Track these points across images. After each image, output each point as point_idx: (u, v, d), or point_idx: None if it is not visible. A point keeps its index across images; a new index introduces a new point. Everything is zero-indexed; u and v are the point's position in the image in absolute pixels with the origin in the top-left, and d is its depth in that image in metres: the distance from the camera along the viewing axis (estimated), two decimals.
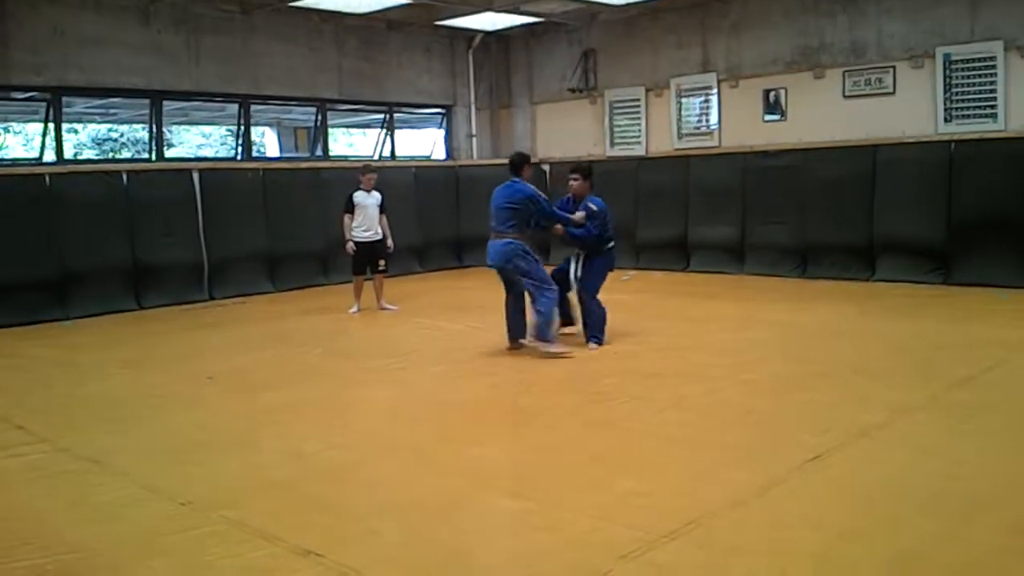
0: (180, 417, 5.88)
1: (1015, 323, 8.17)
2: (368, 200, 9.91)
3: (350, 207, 9.85)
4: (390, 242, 10.10)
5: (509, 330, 7.66)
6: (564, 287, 7.65)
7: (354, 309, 10.00)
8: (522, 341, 7.55)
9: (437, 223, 14.30)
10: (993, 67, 10.29)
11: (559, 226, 7.52)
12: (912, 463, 4.42)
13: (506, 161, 7.78)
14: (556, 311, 7.46)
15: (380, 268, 10.05)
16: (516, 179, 7.44)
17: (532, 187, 7.47)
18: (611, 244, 7.72)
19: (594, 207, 7.48)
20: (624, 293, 10.10)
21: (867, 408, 5.39)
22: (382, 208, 10.01)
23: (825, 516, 3.78)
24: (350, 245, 9.86)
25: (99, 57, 10.85)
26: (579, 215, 7.50)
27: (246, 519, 3.94)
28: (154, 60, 11.34)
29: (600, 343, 7.54)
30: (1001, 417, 5.22)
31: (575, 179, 7.71)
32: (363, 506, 4.14)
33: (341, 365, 7.50)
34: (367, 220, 9.88)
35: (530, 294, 7.40)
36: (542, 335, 7.29)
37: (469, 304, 10.19)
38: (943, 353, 6.99)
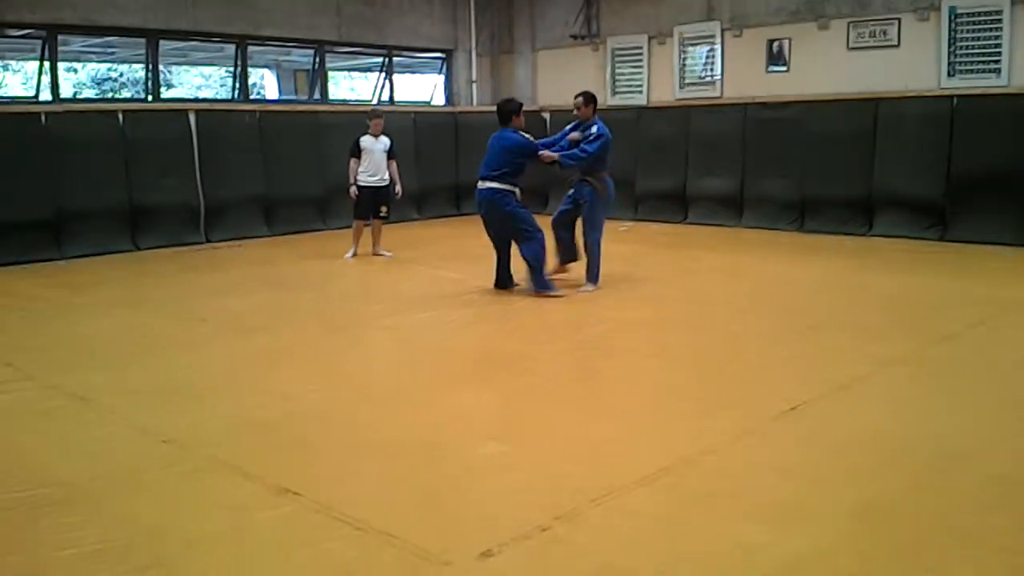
0: (170, 358, 5.92)
1: (1009, 281, 8.17)
2: (375, 145, 9.86)
3: (356, 151, 9.82)
4: (399, 187, 10.10)
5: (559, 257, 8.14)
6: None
7: (350, 254, 10.01)
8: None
9: (436, 170, 14.21)
10: (999, 21, 10.10)
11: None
12: (887, 415, 4.45)
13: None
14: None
15: (381, 214, 10.04)
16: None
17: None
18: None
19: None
20: (621, 243, 10.10)
21: (850, 361, 5.42)
22: (391, 153, 9.98)
23: (795, 465, 3.83)
24: (353, 189, 9.84)
25: None
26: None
27: (227, 458, 4.00)
28: None
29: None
30: (981, 373, 5.24)
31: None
32: (344, 447, 4.20)
33: (334, 310, 7.53)
34: (373, 165, 9.85)
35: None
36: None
37: (465, 252, 10.18)
38: (934, 309, 7.01)
